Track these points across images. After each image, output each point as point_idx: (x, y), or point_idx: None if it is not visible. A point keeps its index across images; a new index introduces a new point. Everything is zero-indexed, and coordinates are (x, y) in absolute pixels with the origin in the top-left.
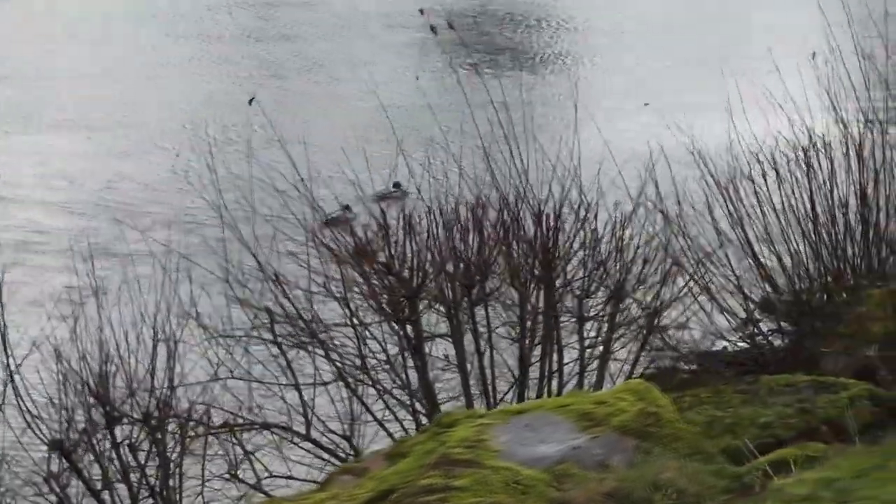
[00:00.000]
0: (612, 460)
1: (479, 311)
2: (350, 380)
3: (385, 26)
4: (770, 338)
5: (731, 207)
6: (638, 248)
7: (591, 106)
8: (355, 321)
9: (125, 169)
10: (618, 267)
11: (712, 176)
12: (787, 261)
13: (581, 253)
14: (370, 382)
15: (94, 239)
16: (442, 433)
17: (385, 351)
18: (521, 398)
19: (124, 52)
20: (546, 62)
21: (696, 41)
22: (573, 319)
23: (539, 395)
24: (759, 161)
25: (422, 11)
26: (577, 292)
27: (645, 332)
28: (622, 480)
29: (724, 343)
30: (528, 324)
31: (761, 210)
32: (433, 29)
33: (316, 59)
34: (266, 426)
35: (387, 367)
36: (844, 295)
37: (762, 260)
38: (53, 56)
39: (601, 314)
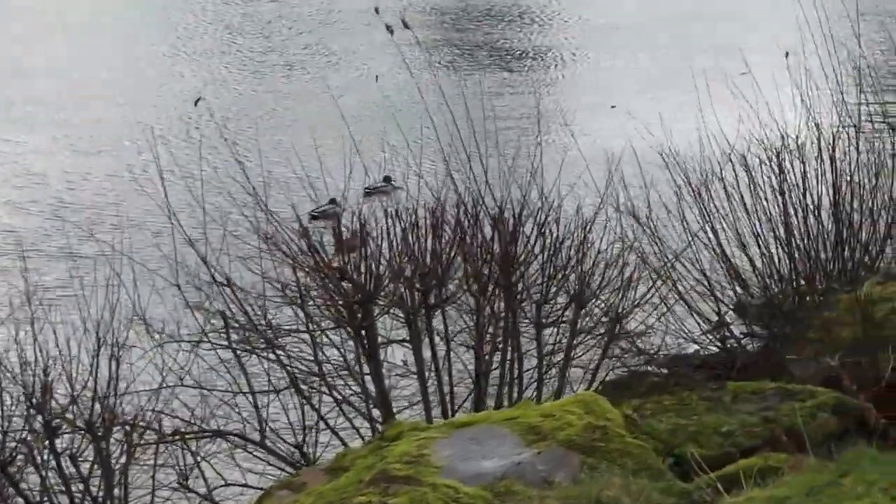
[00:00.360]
0: (556, 476)
1: (439, 317)
2: (304, 387)
3: (365, 24)
4: (742, 342)
5: (702, 209)
6: (599, 252)
7: (570, 104)
8: (310, 326)
9: (92, 168)
10: (579, 271)
11: (685, 177)
12: (759, 263)
13: (541, 257)
14: (325, 390)
15: (50, 241)
16: (385, 447)
17: (344, 357)
18: (478, 407)
19: (109, 47)
20: (523, 59)
21: (686, 38)
22: (532, 325)
23: (498, 404)
24: (731, 162)
25: (377, 10)
26: (535, 297)
27: (607, 337)
28: (565, 498)
29: (696, 346)
30: (489, 330)
31: (733, 212)
32: (389, 28)
33: (295, 55)
34: (218, 434)
35: (343, 373)
36: (816, 299)
37: (734, 262)
38: (33, 53)
39: (560, 320)
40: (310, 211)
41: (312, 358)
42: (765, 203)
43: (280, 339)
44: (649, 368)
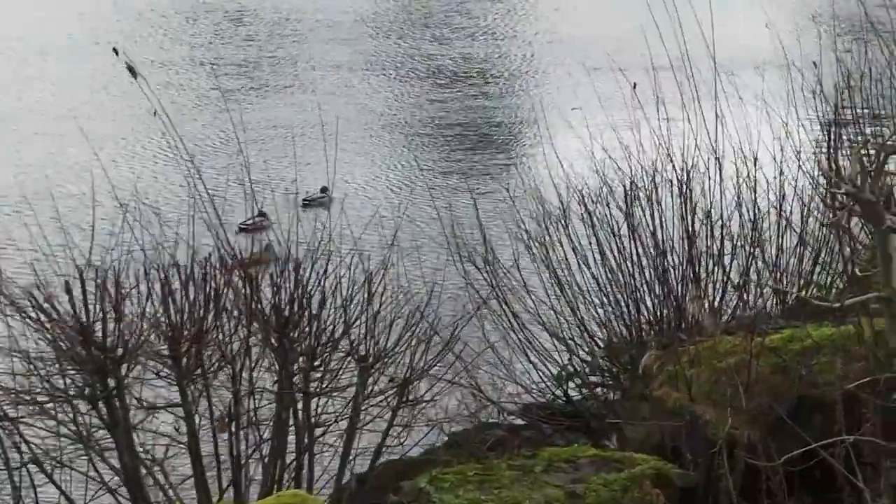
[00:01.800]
0: None
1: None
2: (47, 462)
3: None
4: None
5: (545, 254)
6: (380, 308)
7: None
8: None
9: None
10: (363, 330)
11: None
12: (613, 311)
13: (326, 313)
14: (69, 464)
15: None
16: None
17: (115, 421)
18: (237, 488)
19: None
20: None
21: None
22: (301, 394)
23: (265, 484)
24: (582, 202)
25: (115, 51)
26: (303, 364)
27: (395, 403)
28: None
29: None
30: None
31: (578, 257)
32: (131, 70)
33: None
34: None
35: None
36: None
37: (581, 310)
38: None
39: (328, 387)
40: (239, 223)
41: (60, 430)
42: (613, 245)
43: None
44: (498, 420)
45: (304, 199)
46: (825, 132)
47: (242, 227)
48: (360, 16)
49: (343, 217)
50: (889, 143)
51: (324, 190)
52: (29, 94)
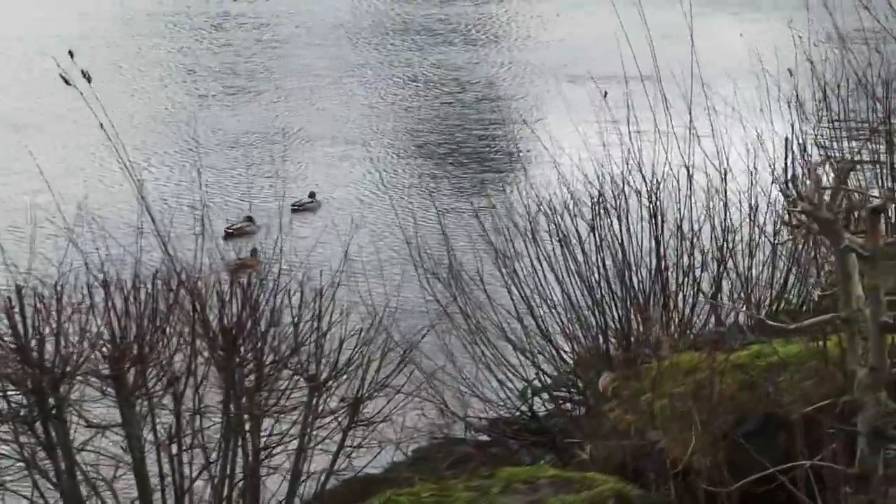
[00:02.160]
0: None
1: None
2: None
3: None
4: (557, 408)
5: (511, 267)
6: (331, 326)
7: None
8: None
9: None
10: (317, 348)
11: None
12: (580, 324)
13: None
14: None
15: None
16: None
17: (52, 444)
18: None
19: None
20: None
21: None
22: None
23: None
24: (546, 215)
25: (71, 54)
26: (250, 383)
27: (347, 422)
28: None
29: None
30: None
31: (544, 270)
32: (86, 75)
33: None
34: None
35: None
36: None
37: (545, 326)
38: None
39: (274, 407)
40: (225, 228)
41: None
42: (580, 258)
43: None
44: (464, 436)
45: (293, 205)
46: (787, 146)
47: (228, 231)
48: (340, 22)
49: (291, 230)
50: (847, 160)
51: (312, 195)
52: (29, 93)
